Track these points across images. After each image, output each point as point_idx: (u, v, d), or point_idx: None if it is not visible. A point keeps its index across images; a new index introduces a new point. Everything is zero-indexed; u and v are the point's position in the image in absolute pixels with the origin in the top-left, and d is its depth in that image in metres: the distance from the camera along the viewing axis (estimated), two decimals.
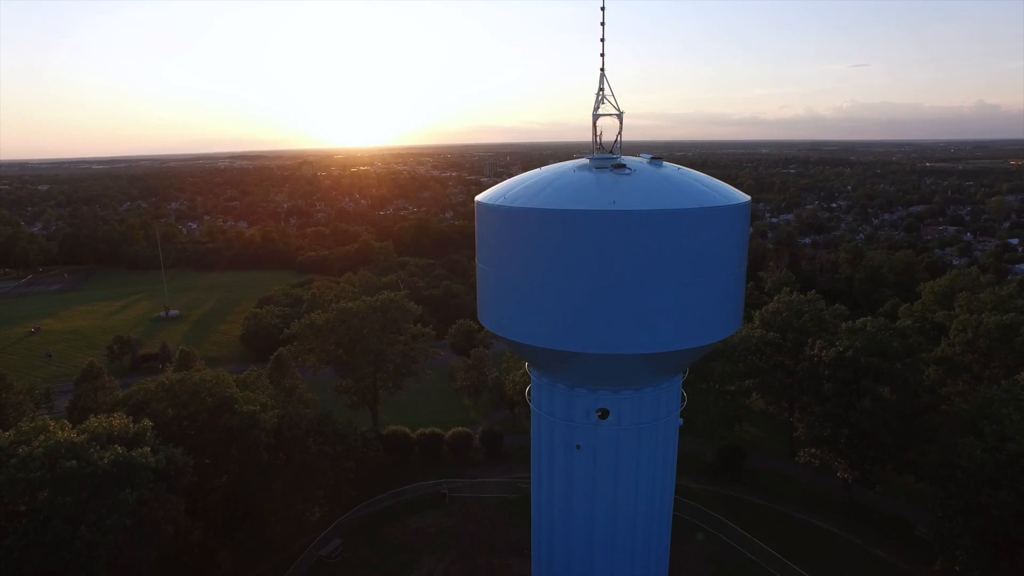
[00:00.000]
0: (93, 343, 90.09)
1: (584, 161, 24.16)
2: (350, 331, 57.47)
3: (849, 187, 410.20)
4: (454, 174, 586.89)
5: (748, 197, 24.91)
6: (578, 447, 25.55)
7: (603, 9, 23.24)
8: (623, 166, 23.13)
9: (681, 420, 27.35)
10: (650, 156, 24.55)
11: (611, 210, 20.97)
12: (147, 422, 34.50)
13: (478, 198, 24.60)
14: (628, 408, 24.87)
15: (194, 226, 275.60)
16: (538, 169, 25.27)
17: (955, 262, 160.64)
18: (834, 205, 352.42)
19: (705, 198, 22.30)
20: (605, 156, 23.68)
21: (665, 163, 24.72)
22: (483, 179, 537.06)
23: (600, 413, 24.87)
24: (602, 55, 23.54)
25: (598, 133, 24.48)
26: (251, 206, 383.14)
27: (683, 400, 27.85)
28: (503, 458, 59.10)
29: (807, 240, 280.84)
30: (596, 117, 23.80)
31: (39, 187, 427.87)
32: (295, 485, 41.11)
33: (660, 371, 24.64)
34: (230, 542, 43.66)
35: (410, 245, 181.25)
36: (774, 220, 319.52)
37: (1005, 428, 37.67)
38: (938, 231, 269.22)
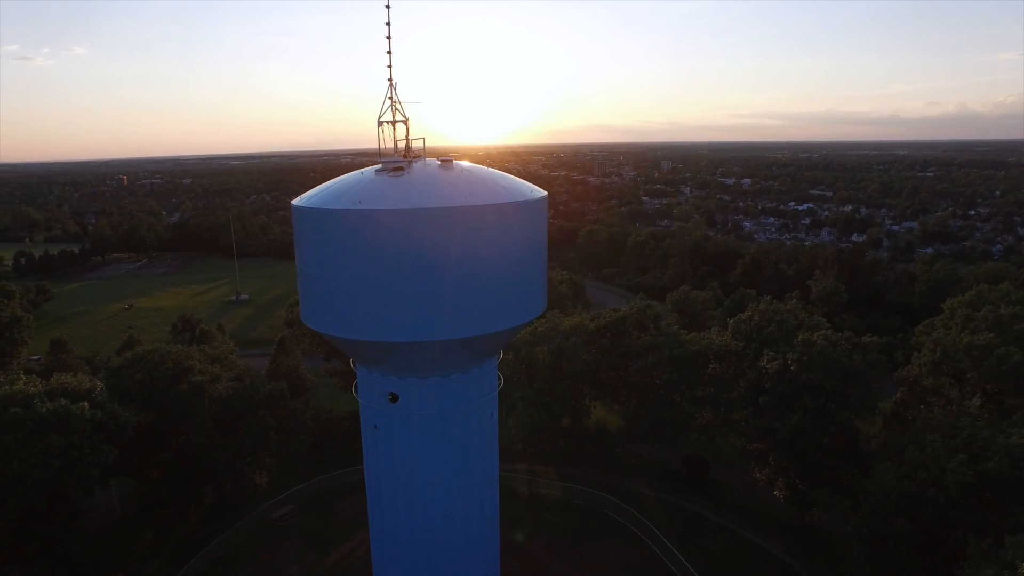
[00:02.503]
0: (169, 320, 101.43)
1: (379, 165, 26.13)
2: None
3: (997, 192, 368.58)
4: (563, 173, 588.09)
5: (531, 196, 25.75)
6: (376, 427, 27.63)
7: (388, 24, 25.09)
8: (400, 168, 24.93)
9: (491, 412, 28.57)
10: (440, 159, 26.11)
11: (352, 209, 22.99)
12: (96, 382, 40.18)
13: (293, 202, 26.99)
14: (415, 394, 26.58)
15: None
16: (349, 173, 27.46)
17: None
18: (972, 212, 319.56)
19: (457, 196, 23.62)
20: (391, 159, 25.52)
21: (456, 164, 26.21)
22: (590, 179, 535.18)
23: (391, 397, 26.78)
24: (389, 66, 25.37)
25: (400, 137, 26.33)
26: None
27: (499, 381, 29.18)
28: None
29: (929, 250, 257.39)
30: (381, 123, 25.65)
31: (184, 181, 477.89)
32: (238, 451, 45.68)
33: (451, 359, 26.13)
34: (194, 498, 49.19)
35: None
36: (895, 228, 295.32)
37: (926, 456, 35.22)
38: None
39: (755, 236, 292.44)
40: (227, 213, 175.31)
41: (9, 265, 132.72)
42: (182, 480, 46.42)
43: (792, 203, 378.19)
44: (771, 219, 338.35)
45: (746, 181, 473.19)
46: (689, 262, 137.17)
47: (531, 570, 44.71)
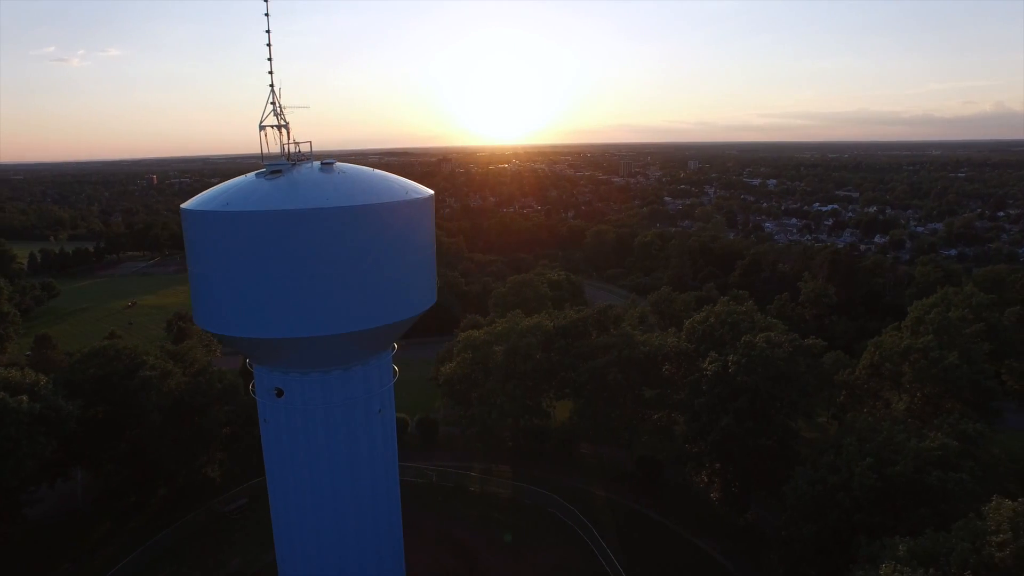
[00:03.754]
0: (167, 317, 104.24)
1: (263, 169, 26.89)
2: None
3: None
4: (588, 173, 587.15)
5: (406, 197, 26.21)
6: (266, 421, 28.49)
7: (268, 32, 25.89)
8: (278, 171, 25.73)
9: (380, 408, 29.18)
10: (322, 161, 26.85)
11: (219, 211, 23.86)
12: (41, 376, 41.85)
13: (182, 205, 27.61)
14: (298, 390, 27.29)
15: None
16: (237, 177, 28.12)
17: None
18: (1000, 214, 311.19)
19: (327, 198, 24.30)
20: (273, 163, 26.31)
21: (339, 166, 26.93)
22: (615, 179, 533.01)
23: (276, 392, 27.62)
24: (270, 73, 26.15)
25: (288, 141, 27.13)
26: None
27: (395, 374, 29.84)
28: (438, 445, 61.95)
29: (952, 252, 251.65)
30: (262, 128, 26.44)
31: (212, 180, 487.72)
32: (188, 445, 47.09)
33: (329, 356, 26.80)
34: (149, 490, 50.70)
35: (496, 241, 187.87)
36: (919, 229, 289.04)
37: (840, 460, 35.02)
38: None
39: (775, 237, 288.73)
40: None
41: (23, 263, 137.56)
42: (136, 472, 47.97)
43: (817, 204, 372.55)
44: (793, 220, 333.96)
45: (772, 182, 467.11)
46: (690, 263, 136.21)
47: (466, 566, 45.27)
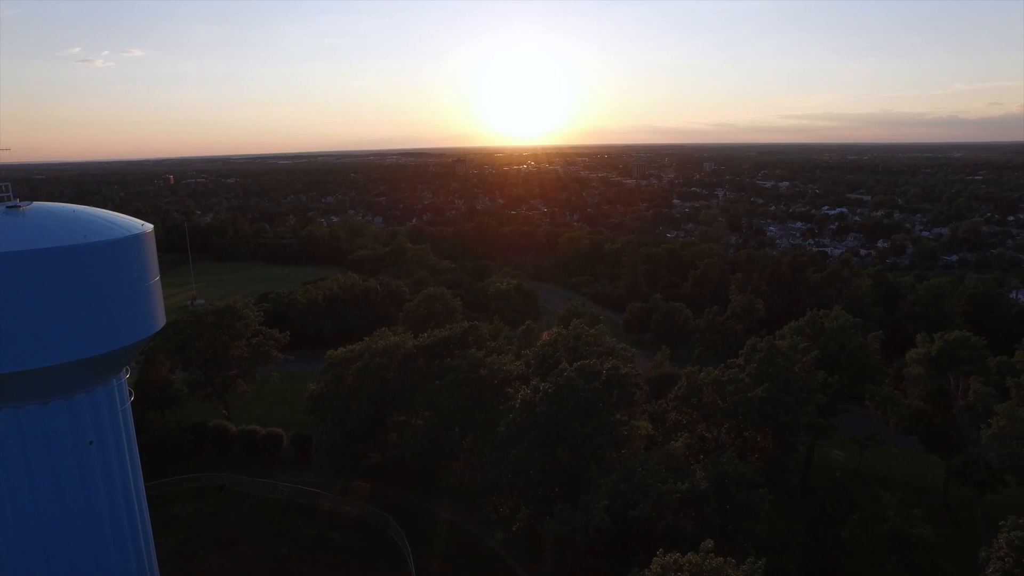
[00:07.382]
0: None
1: None
2: (188, 331, 64.66)
3: None
4: (601, 175, 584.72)
5: (86, 240, 26.61)
6: None
7: None
8: None
9: (92, 440, 29.73)
10: (7, 204, 27.49)
11: None
12: None
13: None
14: None
15: (335, 219, 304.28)
16: None
17: None
18: (1010, 218, 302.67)
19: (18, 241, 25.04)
20: None
21: (35, 207, 27.64)
22: (627, 181, 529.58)
23: None
24: None
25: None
26: (394, 202, 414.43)
27: (130, 398, 30.47)
28: (311, 461, 62.50)
29: (953, 258, 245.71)
30: None
31: (228, 180, 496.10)
32: None
33: (13, 392, 27.48)
34: None
35: (472, 247, 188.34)
36: (924, 234, 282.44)
37: (591, 499, 34.80)
38: None
39: (777, 241, 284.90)
40: (218, 217, 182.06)
41: None
42: None
43: (825, 207, 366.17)
44: (798, 224, 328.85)
45: (784, 184, 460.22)
46: (644, 272, 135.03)
47: None
